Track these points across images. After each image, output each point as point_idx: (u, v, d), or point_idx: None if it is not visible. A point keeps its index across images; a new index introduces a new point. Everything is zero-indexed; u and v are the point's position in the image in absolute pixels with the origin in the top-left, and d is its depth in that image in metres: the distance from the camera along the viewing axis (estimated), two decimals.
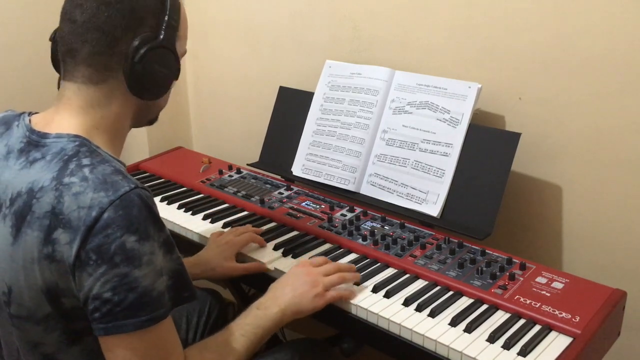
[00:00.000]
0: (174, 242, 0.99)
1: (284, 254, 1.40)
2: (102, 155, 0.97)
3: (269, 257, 1.39)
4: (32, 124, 1.02)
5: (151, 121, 1.15)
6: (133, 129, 1.15)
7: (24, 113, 1.06)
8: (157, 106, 1.11)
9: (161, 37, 1.01)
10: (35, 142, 0.99)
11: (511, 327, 1.14)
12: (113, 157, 0.99)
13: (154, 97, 1.05)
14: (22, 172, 0.96)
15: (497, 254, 1.35)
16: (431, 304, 1.20)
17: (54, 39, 1.09)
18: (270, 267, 1.36)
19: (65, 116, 1.01)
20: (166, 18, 1.01)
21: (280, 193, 1.70)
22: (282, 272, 1.31)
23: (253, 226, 1.51)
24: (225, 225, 1.54)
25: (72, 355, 0.99)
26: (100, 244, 0.88)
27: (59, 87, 1.06)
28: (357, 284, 1.26)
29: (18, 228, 0.93)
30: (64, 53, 1.01)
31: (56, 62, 1.08)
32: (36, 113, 1.06)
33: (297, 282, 1.19)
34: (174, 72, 1.05)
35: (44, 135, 0.99)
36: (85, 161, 0.94)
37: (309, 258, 1.35)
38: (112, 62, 0.99)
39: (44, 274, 0.92)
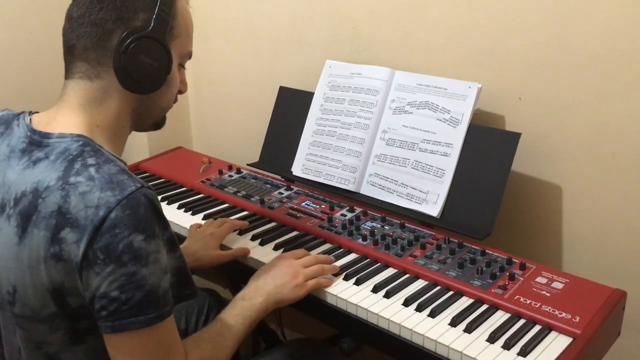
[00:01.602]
0: (177, 240, 1.01)
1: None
2: (105, 155, 0.97)
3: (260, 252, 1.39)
4: (32, 124, 1.02)
5: (156, 124, 1.15)
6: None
7: (23, 112, 1.06)
8: (157, 105, 1.10)
9: (149, 28, 1.00)
10: (37, 142, 0.99)
11: (511, 327, 1.14)
12: (115, 157, 1.00)
13: (146, 90, 1.04)
14: (26, 172, 0.97)
15: (497, 254, 1.35)
16: (431, 304, 1.20)
17: None
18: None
19: (67, 115, 1.01)
20: (156, 10, 1.01)
21: (280, 193, 1.70)
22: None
23: (253, 226, 1.52)
24: None
25: (75, 355, 1.00)
26: (108, 243, 0.89)
27: None
28: (336, 275, 1.30)
29: (24, 228, 0.94)
30: (65, 51, 1.03)
31: None
32: (36, 112, 1.06)
33: (278, 273, 1.23)
34: (163, 64, 1.03)
35: (46, 135, 0.99)
36: (91, 161, 0.94)
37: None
38: (105, 57, 1.00)
39: (50, 274, 0.92)
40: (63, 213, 0.90)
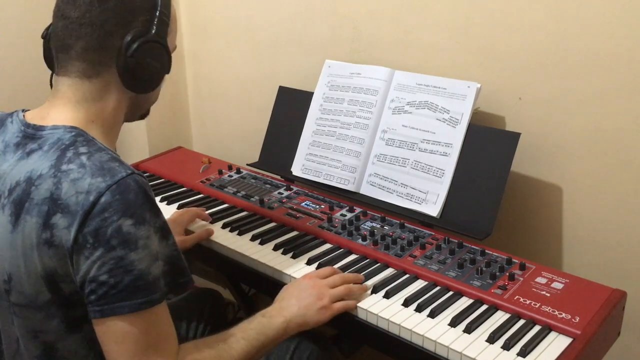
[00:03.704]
0: (169, 228, 1.01)
1: (284, 254, 1.39)
2: (97, 145, 0.99)
3: (272, 257, 1.39)
4: (26, 119, 1.04)
5: (143, 115, 1.17)
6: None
7: (16, 111, 1.08)
8: (149, 100, 1.14)
9: (153, 31, 1.02)
10: (31, 135, 1.01)
11: (511, 327, 1.14)
12: (107, 148, 1.01)
13: (147, 90, 1.08)
14: (20, 163, 0.98)
15: (496, 254, 1.35)
16: (431, 305, 1.20)
17: (46, 36, 1.11)
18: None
19: (61, 110, 1.02)
20: (157, 13, 1.03)
21: (280, 193, 1.70)
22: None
23: (253, 226, 1.52)
24: (225, 226, 1.54)
25: (72, 343, 1.00)
26: (97, 227, 0.90)
27: (51, 83, 1.07)
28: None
29: (17, 215, 0.95)
30: (57, 49, 1.03)
31: (48, 59, 1.10)
32: (28, 110, 1.07)
33: (303, 294, 1.19)
34: (166, 65, 1.07)
35: (40, 128, 1.00)
36: (83, 149, 0.96)
37: (316, 268, 1.33)
38: (106, 57, 1.01)
39: (43, 260, 0.93)
40: (54, 199, 0.92)
